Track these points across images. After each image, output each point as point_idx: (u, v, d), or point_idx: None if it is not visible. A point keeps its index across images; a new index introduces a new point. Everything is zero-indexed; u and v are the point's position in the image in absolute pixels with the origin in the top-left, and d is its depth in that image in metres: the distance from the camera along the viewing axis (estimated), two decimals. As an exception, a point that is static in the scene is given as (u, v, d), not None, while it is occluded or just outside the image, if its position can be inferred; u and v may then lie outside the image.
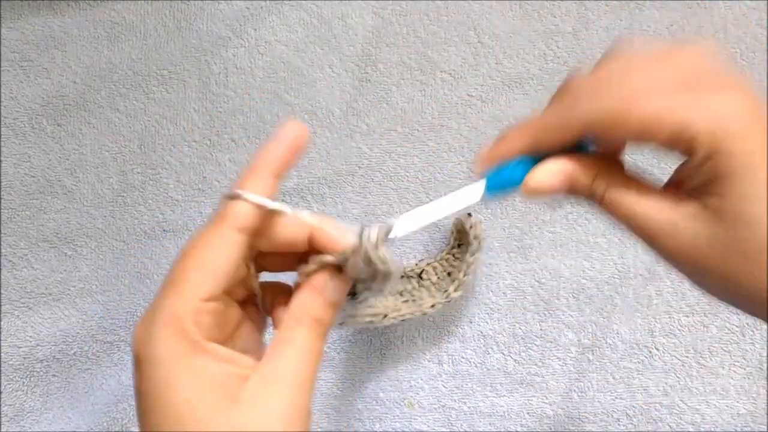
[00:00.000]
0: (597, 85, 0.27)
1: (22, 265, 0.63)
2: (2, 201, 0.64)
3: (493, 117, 0.63)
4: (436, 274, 0.58)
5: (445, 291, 0.56)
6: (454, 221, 0.58)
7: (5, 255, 0.63)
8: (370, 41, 0.65)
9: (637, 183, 0.27)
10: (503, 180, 0.29)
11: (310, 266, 0.29)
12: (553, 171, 0.28)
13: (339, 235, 0.29)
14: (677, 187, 0.27)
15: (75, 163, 0.65)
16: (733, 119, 0.24)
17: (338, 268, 0.29)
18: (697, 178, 0.25)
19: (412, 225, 0.29)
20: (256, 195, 0.29)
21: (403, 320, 0.55)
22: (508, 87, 0.63)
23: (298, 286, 0.30)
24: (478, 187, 0.29)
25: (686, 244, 0.25)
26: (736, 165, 0.23)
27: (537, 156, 0.28)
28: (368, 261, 0.28)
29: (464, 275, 0.55)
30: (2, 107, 0.65)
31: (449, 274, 0.58)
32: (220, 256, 0.28)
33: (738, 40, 0.63)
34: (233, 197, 0.28)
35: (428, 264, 0.58)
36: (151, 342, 0.26)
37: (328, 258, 0.29)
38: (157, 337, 0.26)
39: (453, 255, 0.58)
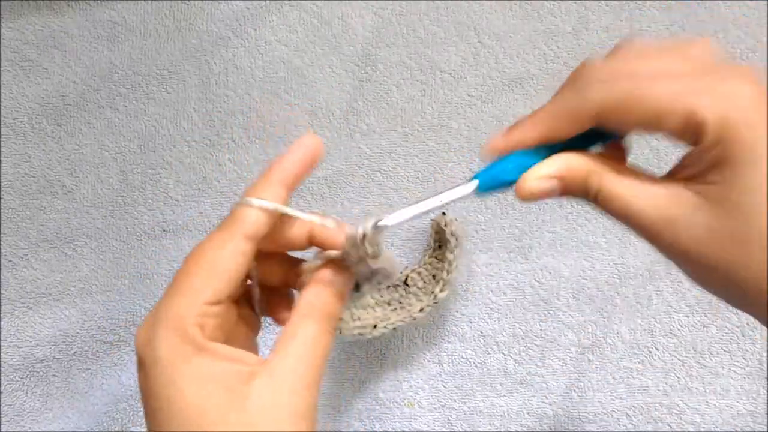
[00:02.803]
0: (610, 71, 0.26)
1: (22, 265, 0.63)
2: (2, 201, 0.64)
3: (493, 117, 0.63)
4: (422, 278, 0.59)
5: (432, 293, 0.56)
6: (431, 223, 0.58)
7: (5, 255, 0.63)
8: (370, 41, 0.65)
9: (632, 176, 0.27)
10: (495, 180, 0.29)
11: (315, 262, 0.30)
12: (546, 174, 0.27)
13: (339, 230, 0.30)
14: (673, 177, 0.26)
15: (75, 163, 0.65)
16: (742, 107, 0.23)
17: (342, 264, 0.30)
18: (699, 165, 0.25)
19: (402, 215, 0.29)
20: (266, 201, 0.29)
21: (394, 329, 0.55)
22: (508, 87, 0.63)
23: (302, 284, 0.30)
24: (470, 187, 0.29)
25: (684, 236, 0.25)
26: (742, 152, 0.23)
27: (538, 150, 0.28)
28: (358, 247, 0.29)
29: (447, 274, 0.56)
30: (2, 107, 0.65)
31: (434, 276, 0.58)
32: (227, 262, 0.28)
33: (738, 40, 0.63)
34: (243, 204, 0.28)
35: (413, 271, 0.59)
36: (154, 343, 0.26)
37: (332, 253, 0.30)
38: (159, 338, 0.26)
39: (436, 258, 0.58)
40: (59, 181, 0.64)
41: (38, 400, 0.62)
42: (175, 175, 0.64)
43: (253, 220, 0.28)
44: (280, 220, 0.30)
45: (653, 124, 0.25)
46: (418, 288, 0.58)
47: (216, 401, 0.25)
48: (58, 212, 0.64)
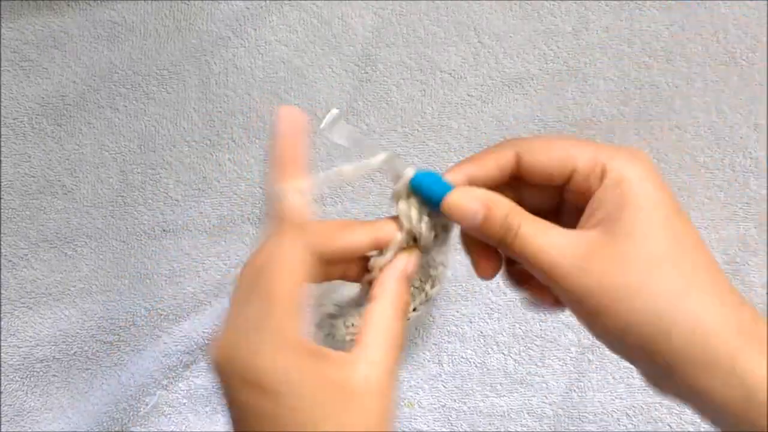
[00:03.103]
0: (529, 136, 0.30)
1: (22, 265, 0.63)
2: (2, 201, 0.64)
3: (493, 117, 0.63)
4: (413, 282, 0.59)
5: (423, 291, 0.56)
6: None
7: (5, 255, 0.63)
8: (370, 41, 0.65)
9: (547, 222, 0.29)
10: (427, 183, 0.31)
11: (382, 257, 0.32)
12: (472, 195, 0.30)
13: (392, 221, 0.32)
14: (582, 226, 0.29)
15: (75, 163, 0.65)
16: (637, 165, 0.28)
17: (404, 247, 0.32)
18: (604, 207, 0.28)
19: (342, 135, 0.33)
20: (297, 190, 0.29)
21: None
22: (508, 87, 0.63)
23: (369, 280, 0.32)
24: (407, 172, 0.31)
25: (593, 275, 0.27)
26: (638, 195, 0.27)
27: None
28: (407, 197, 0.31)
29: (438, 268, 0.56)
30: (2, 107, 0.65)
31: (421, 279, 0.58)
32: (301, 262, 0.28)
33: (738, 40, 0.63)
34: (284, 201, 0.29)
35: None
36: (286, 370, 0.26)
37: (395, 240, 0.32)
38: (291, 363, 0.26)
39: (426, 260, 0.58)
40: (59, 181, 0.64)
41: (38, 400, 0.62)
42: (175, 175, 0.64)
43: (301, 212, 0.29)
44: (343, 228, 0.31)
45: (564, 162, 0.29)
46: (413, 288, 0.58)
47: (339, 402, 0.26)
48: (58, 212, 0.64)
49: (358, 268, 0.33)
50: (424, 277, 0.56)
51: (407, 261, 0.33)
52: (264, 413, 0.26)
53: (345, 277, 0.34)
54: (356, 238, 0.31)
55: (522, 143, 0.30)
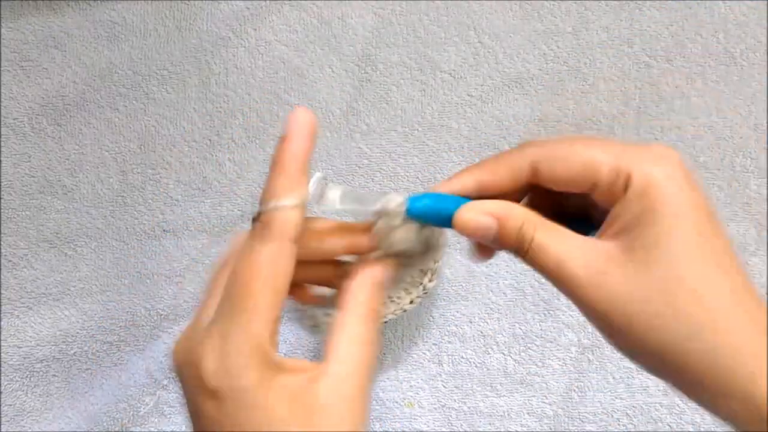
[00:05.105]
0: (545, 139, 0.28)
1: (22, 265, 0.63)
2: (2, 201, 0.64)
3: (493, 117, 0.63)
4: (411, 274, 0.59)
5: (421, 284, 0.56)
6: None
7: (5, 255, 0.63)
8: (370, 41, 0.65)
9: (564, 231, 0.27)
10: (425, 209, 0.29)
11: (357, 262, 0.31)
12: (485, 210, 0.28)
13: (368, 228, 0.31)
14: (601, 236, 0.27)
15: (75, 163, 0.65)
16: (666, 166, 0.26)
17: (384, 259, 0.31)
18: (624, 220, 0.26)
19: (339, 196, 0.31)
20: (295, 199, 0.28)
21: (385, 322, 0.55)
22: (508, 87, 0.63)
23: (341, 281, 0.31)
24: (401, 203, 0.30)
25: (611, 289, 0.25)
26: (664, 203, 0.25)
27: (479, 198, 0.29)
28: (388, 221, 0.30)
29: (435, 263, 0.56)
30: (2, 107, 0.65)
31: (421, 269, 0.58)
32: (284, 275, 0.27)
33: (738, 40, 0.63)
34: (276, 209, 0.28)
35: None
36: (234, 372, 0.26)
37: (373, 254, 0.30)
38: (241, 367, 0.26)
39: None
40: (59, 181, 0.64)
41: (38, 400, 0.62)
42: (175, 175, 0.64)
43: (292, 222, 0.28)
44: (318, 230, 0.30)
45: (585, 173, 0.27)
46: (406, 282, 0.58)
47: (300, 415, 0.26)
48: (58, 212, 0.64)
49: (333, 271, 0.33)
50: (422, 272, 0.56)
51: (381, 270, 0.31)
52: (208, 416, 0.26)
53: (320, 281, 0.33)
54: (331, 241, 0.30)
55: (537, 151, 0.28)
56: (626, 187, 0.26)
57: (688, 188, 0.26)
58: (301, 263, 0.29)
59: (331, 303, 0.35)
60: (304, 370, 0.27)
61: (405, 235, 0.30)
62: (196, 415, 0.26)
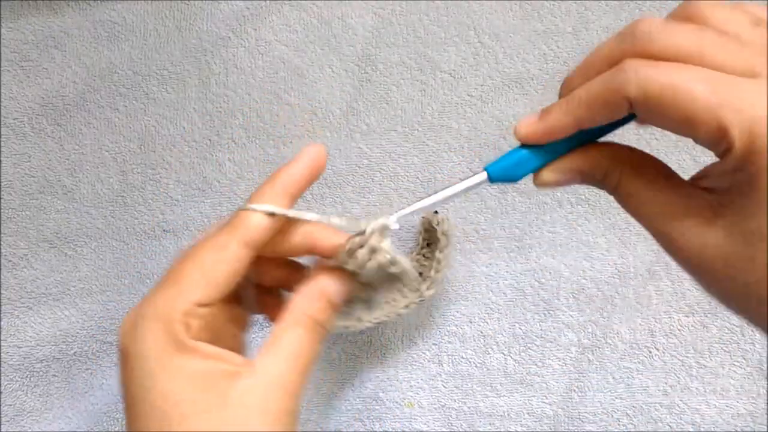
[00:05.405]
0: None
1: (22, 265, 0.63)
2: (2, 201, 0.64)
3: (493, 117, 0.63)
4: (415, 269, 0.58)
5: (418, 290, 0.56)
6: (421, 221, 0.58)
7: (5, 255, 0.63)
8: (370, 41, 0.65)
9: (652, 177, 0.26)
10: (506, 174, 0.28)
11: (320, 267, 0.30)
12: (564, 169, 0.27)
13: (339, 237, 0.29)
14: (695, 184, 0.26)
15: (75, 163, 0.65)
16: None
17: (341, 271, 0.29)
18: (724, 178, 0.24)
19: (407, 210, 0.30)
20: (268, 205, 0.28)
21: (378, 323, 0.55)
22: (508, 87, 0.63)
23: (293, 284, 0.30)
24: (479, 179, 0.29)
25: (694, 245, 0.24)
26: (764, 177, 0.22)
27: (557, 146, 0.28)
28: (371, 252, 0.28)
29: (435, 272, 0.56)
30: (2, 107, 0.65)
31: (421, 274, 0.58)
32: (222, 267, 0.27)
33: (738, 40, 0.63)
34: (244, 209, 0.28)
35: None
36: (137, 336, 0.26)
37: (328, 262, 0.29)
38: (143, 331, 0.26)
39: (423, 255, 0.58)
40: (59, 181, 0.64)
41: (38, 400, 0.62)
42: (175, 175, 0.64)
43: (254, 225, 0.28)
44: (281, 228, 0.29)
45: (685, 130, 0.24)
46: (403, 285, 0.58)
47: (194, 397, 0.25)
48: (58, 212, 0.64)
49: (290, 272, 0.32)
50: (422, 277, 0.56)
51: (333, 283, 0.29)
52: (120, 375, 0.27)
53: (280, 283, 0.33)
54: (290, 239, 0.30)
55: (635, 86, 0.24)
56: (727, 149, 0.23)
57: None
58: (259, 260, 0.29)
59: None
60: (221, 359, 0.26)
61: (375, 267, 0.29)
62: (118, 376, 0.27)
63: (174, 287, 0.27)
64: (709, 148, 0.24)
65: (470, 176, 0.29)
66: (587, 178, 0.27)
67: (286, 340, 0.28)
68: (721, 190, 0.24)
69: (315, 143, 0.30)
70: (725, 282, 0.24)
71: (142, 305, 0.27)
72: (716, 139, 0.23)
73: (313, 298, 0.29)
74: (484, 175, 0.29)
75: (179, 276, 0.27)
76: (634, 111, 0.25)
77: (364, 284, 0.30)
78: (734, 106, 0.22)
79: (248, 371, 0.26)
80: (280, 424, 0.26)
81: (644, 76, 0.24)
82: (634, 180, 0.26)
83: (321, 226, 0.30)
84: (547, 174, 0.27)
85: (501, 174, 0.28)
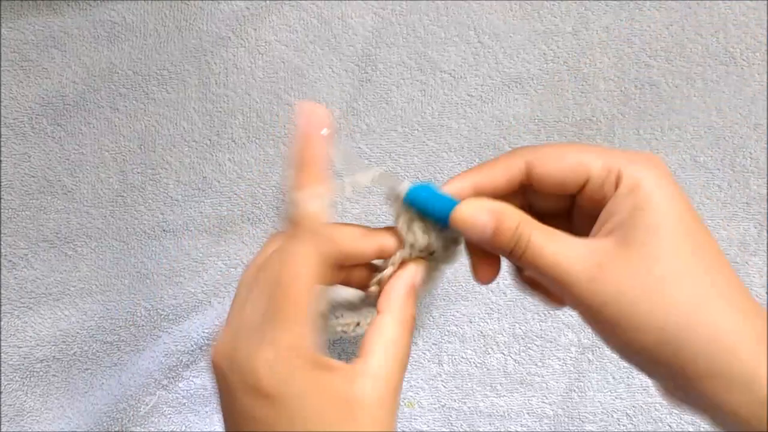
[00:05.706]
0: (539, 145, 0.30)
1: (22, 265, 0.63)
2: (2, 201, 0.64)
3: (493, 117, 0.63)
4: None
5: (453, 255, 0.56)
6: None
7: (5, 255, 0.63)
8: (370, 41, 0.65)
9: (557, 232, 0.28)
10: (425, 198, 0.30)
11: (388, 270, 0.32)
12: (481, 207, 0.29)
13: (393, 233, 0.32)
14: (596, 233, 0.28)
15: (75, 163, 0.65)
16: (653, 169, 0.27)
17: (414, 260, 0.32)
18: (618, 215, 0.27)
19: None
20: (320, 195, 0.28)
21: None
22: (508, 87, 0.63)
23: (372, 293, 0.32)
24: (402, 187, 0.31)
25: (605, 285, 0.26)
26: (652, 201, 0.26)
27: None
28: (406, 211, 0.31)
29: (436, 273, 0.55)
30: (2, 107, 0.65)
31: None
32: (318, 273, 0.28)
33: (738, 40, 0.63)
34: (305, 205, 0.28)
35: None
36: (288, 378, 0.26)
37: (398, 255, 0.31)
38: (293, 370, 0.26)
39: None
40: (59, 181, 0.64)
41: (38, 400, 0.62)
42: (175, 175, 0.64)
43: (321, 219, 0.28)
44: (349, 236, 0.31)
45: (577, 170, 0.28)
46: (436, 284, 0.58)
47: (343, 414, 0.26)
48: (58, 212, 0.64)
49: (362, 274, 0.33)
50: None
51: (414, 273, 0.32)
52: (260, 418, 0.26)
53: (347, 282, 0.34)
54: (363, 245, 0.31)
55: (532, 152, 0.29)
56: (617, 185, 0.27)
57: (674, 192, 0.27)
58: (334, 267, 0.30)
59: (344, 306, 0.35)
60: (342, 369, 0.28)
61: (425, 227, 0.31)
62: (243, 415, 0.27)
63: (297, 317, 0.27)
64: (600, 189, 0.29)
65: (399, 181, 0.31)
66: (500, 228, 0.29)
67: (388, 336, 0.29)
68: (618, 228, 0.28)
69: (308, 103, 0.29)
70: (629, 316, 0.26)
71: (269, 345, 0.26)
72: (606, 174, 0.28)
73: (402, 290, 0.31)
74: (407, 187, 0.31)
75: (291, 303, 0.27)
76: (529, 174, 0.30)
77: (429, 261, 0.32)
78: (616, 154, 0.29)
79: (360, 373, 0.28)
80: (395, 414, 0.28)
81: (540, 145, 0.31)
82: (545, 233, 0.28)
83: (382, 230, 0.32)
84: (465, 206, 0.29)
85: (415, 197, 0.31)
